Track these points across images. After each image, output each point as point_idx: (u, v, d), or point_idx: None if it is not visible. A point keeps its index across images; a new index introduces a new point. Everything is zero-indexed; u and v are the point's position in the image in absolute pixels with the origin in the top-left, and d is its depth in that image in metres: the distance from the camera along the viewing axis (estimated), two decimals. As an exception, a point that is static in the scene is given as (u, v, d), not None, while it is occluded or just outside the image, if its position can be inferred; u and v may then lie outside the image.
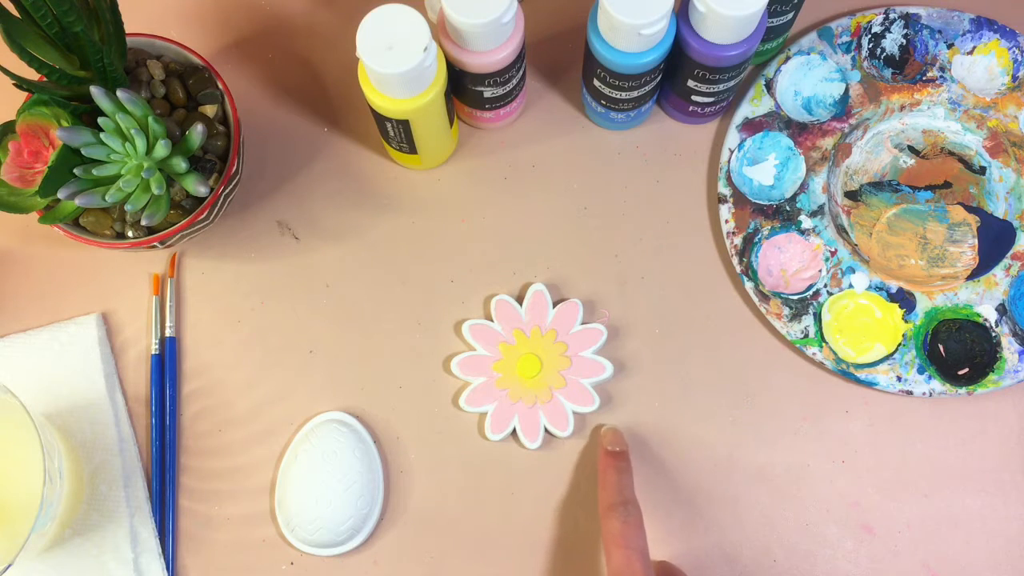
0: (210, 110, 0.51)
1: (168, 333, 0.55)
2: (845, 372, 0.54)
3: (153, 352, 0.55)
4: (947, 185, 0.57)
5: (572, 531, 0.53)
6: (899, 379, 0.54)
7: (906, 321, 0.54)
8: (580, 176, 0.58)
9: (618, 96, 0.53)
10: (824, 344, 0.54)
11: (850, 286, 0.55)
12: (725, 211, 0.56)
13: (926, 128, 0.57)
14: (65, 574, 0.52)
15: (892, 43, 0.58)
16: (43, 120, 0.46)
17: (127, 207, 0.46)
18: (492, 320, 0.55)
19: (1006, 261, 0.55)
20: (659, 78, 0.52)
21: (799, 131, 0.57)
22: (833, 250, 0.55)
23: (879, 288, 0.55)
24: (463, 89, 0.52)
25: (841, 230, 0.56)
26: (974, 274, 0.55)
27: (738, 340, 0.55)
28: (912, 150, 0.57)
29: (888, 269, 0.56)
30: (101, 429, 0.53)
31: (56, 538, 0.51)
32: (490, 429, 0.53)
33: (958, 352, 0.54)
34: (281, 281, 0.56)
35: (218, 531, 0.53)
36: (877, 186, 0.57)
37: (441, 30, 0.49)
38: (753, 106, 0.57)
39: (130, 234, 0.50)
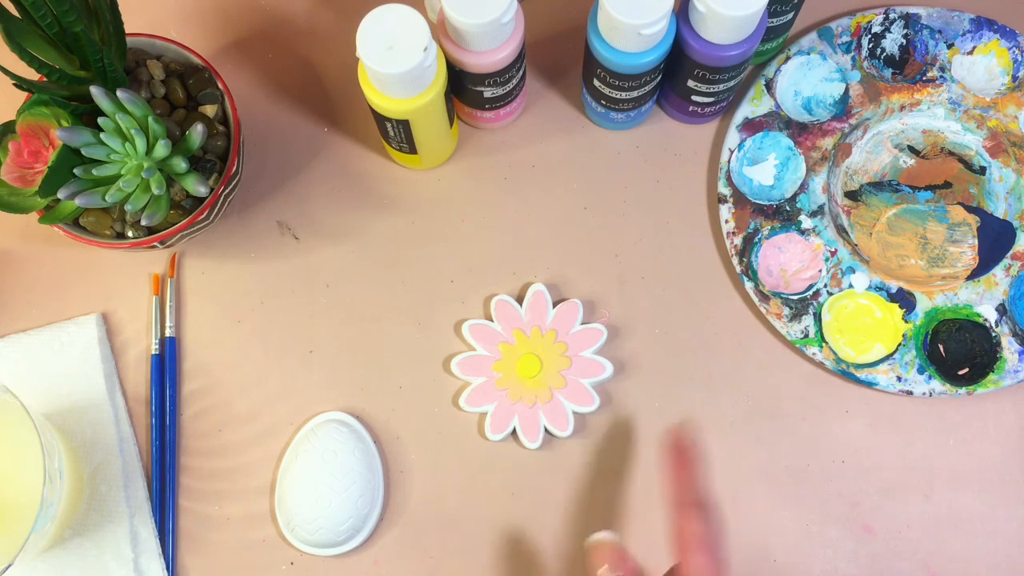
0: (210, 110, 0.51)
1: (168, 333, 0.55)
2: (845, 372, 0.54)
3: (153, 352, 0.55)
4: (947, 185, 0.57)
5: (572, 531, 0.53)
6: (899, 379, 0.54)
7: (906, 321, 0.54)
8: (580, 176, 0.58)
9: (618, 96, 0.53)
10: (824, 344, 0.54)
11: (850, 286, 0.55)
12: (725, 211, 0.56)
13: (926, 128, 0.57)
14: (65, 574, 0.52)
15: (892, 43, 0.58)
16: (43, 120, 0.46)
17: (127, 207, 0.46)
18: (492, 320, 0.55)
19: (1006, 261, 0.55)
20: (659, 78, 0.52)
21: (799, 131, 0.57)
22: (833, 250, 0.55)
23: (879, 288, 0.55)
24: (463, 89, 0.52)
25: (841, 230, 0.56)
26: (974, 274, 0.55)
27: (738, 340, 0.55)
28: (912, 150, 0.57)
29: (888, 269, 0.56)
30: (101, 429, 0.53)
31: (56, 538, 0.51)
32: (490, 429, 0.53)
33: (958, 352, 0.54)
34: (281, 281, 0.56)
35: (218, 531, 0.53)
36: (877, 186, 0.57)
37: (441, 30, 0.49)
38: (753, 106, 0.57)
39: (130, 234, 0.50)
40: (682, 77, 0.53)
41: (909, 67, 0.58)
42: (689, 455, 0.45)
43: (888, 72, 0.58)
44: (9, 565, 0.44)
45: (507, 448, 0.54)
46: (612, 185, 0.57)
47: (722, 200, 0.56)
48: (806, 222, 0.56)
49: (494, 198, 0.57)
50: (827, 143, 0.57)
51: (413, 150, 0.53)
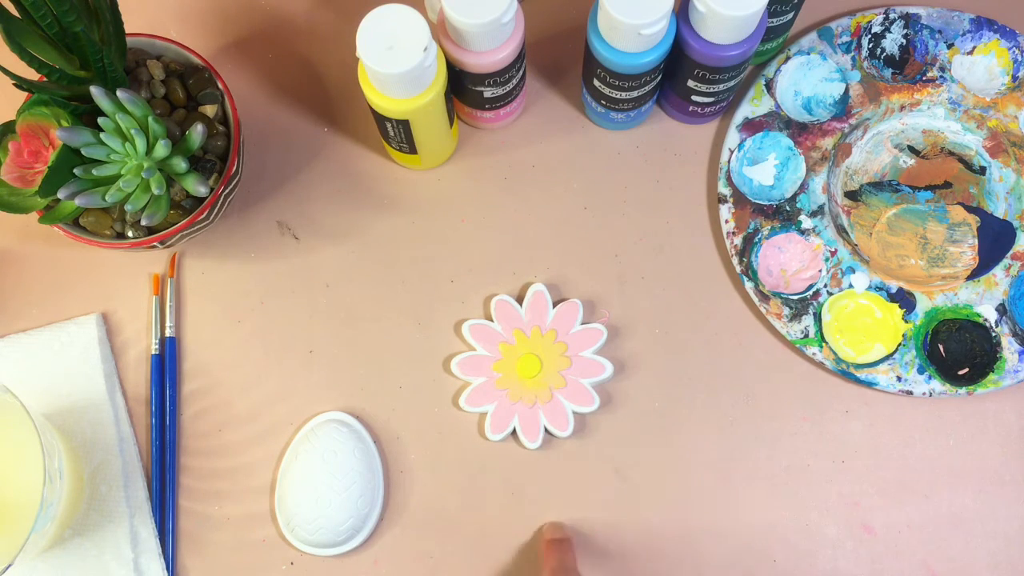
0: (210, 110, 0.51)
1: (168, 333, 0.55)
2: (845, 372, 0.54)
3: (153, 352, 0.55)
4: (947, 185, 0.57)
5: (571, 531, 0.53)
6: (899, 379, 0.54)
7: (906, 321, 0.54)
8: (580, 176, 0.58)
9: (618, 96, 0.53)
10: (824, 344, 0.54)
11: (850, 286, 0.55)
12: (725, 211, 0.56)
13: (926, 128, 0.57)
14: (65, 574, 0.52)
15: (892, 43, 0.58)
16: (43, 120, 0.46)
17: (127, 207, 0.46)
18: (492, 320, 0.55)
19: (1006, 261, 0.55)
20: (659, 78, 0.52)
21: (799, 131, 0.57)
22: (833, 250, 0.55)
23: (879, 288, 0.55)
24: (463, 89, 0.52)
25: (841, 230, 0.56)
26: (974, 274, 0.55)
27: (738, 340, 0.55)
28: (912, 150, 0.57)
29: (888, 269, 0.56)
30: (101, 429, 0.53)
31: (56, 538, 0.51)
32: (490, 429, 0.53)
33: (958, 352, 0.54)
34: (281, 281, 0.56)
35: (218, 531, 0.53)
36: (877, 186, 0.57)
37: (441, 30, 0.49)
38: (753, 106, 0.57)
39: (130, 234, 0.50)
40: (682, 77, 0.53)
41: (909, 67, 0.58)
42: (564, 543, 0.50)
43: (888, 72, 0.58)
44: (9, 565, 0.44)
45: (507, 448, 0.54)
46: (612, 185, 0.57)
47: (722, 200, 0.56)
48: (806, 222, 0.56)
49: (494, 198, 0.57)
50: (827, 143, 0.57)
51: (413, 150, 0.53)
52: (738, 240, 0.55)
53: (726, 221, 0.56)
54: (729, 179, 0.56)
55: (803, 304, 0.55)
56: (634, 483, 0.54)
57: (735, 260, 0.55)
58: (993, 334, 0.54)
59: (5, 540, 0.45)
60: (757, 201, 0.56)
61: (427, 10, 0.55)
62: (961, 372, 0.54)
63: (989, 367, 0.54)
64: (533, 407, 0.53)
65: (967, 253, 0.56)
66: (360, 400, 0.55)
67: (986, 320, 0.54)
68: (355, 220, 0.57)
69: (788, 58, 0.57)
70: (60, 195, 0.45)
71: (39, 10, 0.43)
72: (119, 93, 0.44)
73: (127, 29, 0.48)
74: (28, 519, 0.44)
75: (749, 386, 0.55)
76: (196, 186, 0.47)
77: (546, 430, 0.54)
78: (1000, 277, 0.55)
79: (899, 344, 0.54)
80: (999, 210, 0.56)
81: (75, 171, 0.45)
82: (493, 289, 0.56)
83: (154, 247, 0.50)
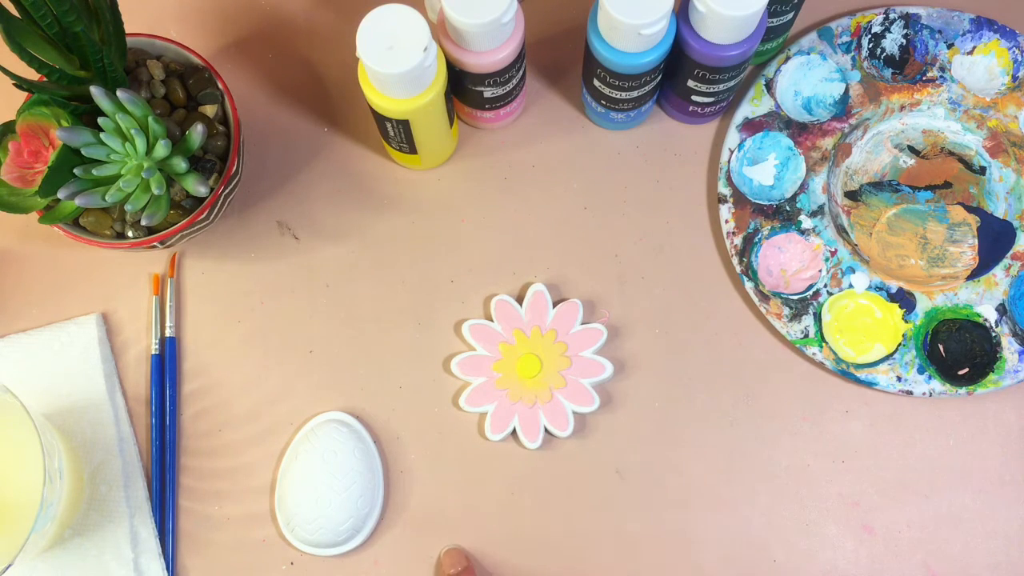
0: (210, 110, 0.51)
1: (168, 333, 0.55)
2: (845, 372, 0.54)
3: (153, 352, 0.55)
4: (947, 185, 0.57)
5: (572, 531, 0.53)
6: (899, 379, 0.54)
7: (906, 321, 0.54)
8: (580, 176, 0.58)
9: (618, 96, 0.53)
10: (824, 344, 0.54)
11: (850, 286, 0.55)
12: (725, 211, 0.56)
13: (926, 128, 0.57)
14: (65, 574, 0.52)
15: (892, 43, 0.58)
16: (43, 120, 0.46)
17: (127, 207, 0.46)
18: (492, 320, 0.55)
19: (1006, 261, 0.55)
20: (659, 78, 0.52)
21: (799, 131, 0.57)
22: (833, 250, 0.55)
23: (879, 288, 0.55)
24: (463, 89, 0.52)
25: (841, 230, 0.56)
26: (974, 274, 0.55)
27: (738, 340, 0.55)
28: (912, 150, 0.57)
29: (888, 269, 0.56)
30: (101, 429, 0.53)
31: (56, 538, 0.51)
32: (490, 429, 0.53)
33: (958, 352, 0.54)
34: (281, 281, 0.56)
35: (218, 531, 0.53)
36: (877, 186, 0.57)
37: (441, 30, 0.49)
38: (753, 106, 0.57)
39: (130, 234, 0.50)
40: (682, 77, 0.53)
41: (909, 67, 0.58)
42: (466, 573, 0.50)
43: (888, 72, 0.58)
44: (9, 565, 0.44)
45: (507, 448, 0.54)
46: (612, 185, 0.57)
47: (722, 200, 0.56)
48: (806, 222, 0.56)
49: (494, 198, 0.57)
50: (827, 143, 0.57)
51: (413, 150, 0.53)
52: (738, 240, 0.55)
53: (726, 221, 0.56)
54: (729, 179, 0.56)
55: (803, 304, 0.55)
56: (634, 483, 0.54)
57: (735, 260, 0.55)
58: (993, 334, 0.54)
59: (5, 540, 0.45)
60: (757, 201, 0.56)
61: (427, 10, 0.56)
62: (961, 372, 0.54)
63: (989, 367, 0.54)
64: (533, 407, 0.53)
65: (967, 253, 0.56)
66: (360, 400, 0.55)
67: (986, 320, 0.54)
68: (355, 220, 0.57)
69: (788, 58, 0.57)
70: (60, 195, 0.45)
71: (39, 10, 0.43)
72: (119, 93, 0.44)
73: (127, 29, 0.48)
74: (28, 519, 0.44)
75: (749, 386, 0.55)
76: (196, 186, 0.47)
77: (546, 430, 0.54)
78: (1000, 277, 0.55)
79: (899, 344, 0.54)
80: (999, 210, 0.56)
81: (75, 171, 0.45)
82: (493, 289, 0.56)
83: (154, 247, 0.50)
